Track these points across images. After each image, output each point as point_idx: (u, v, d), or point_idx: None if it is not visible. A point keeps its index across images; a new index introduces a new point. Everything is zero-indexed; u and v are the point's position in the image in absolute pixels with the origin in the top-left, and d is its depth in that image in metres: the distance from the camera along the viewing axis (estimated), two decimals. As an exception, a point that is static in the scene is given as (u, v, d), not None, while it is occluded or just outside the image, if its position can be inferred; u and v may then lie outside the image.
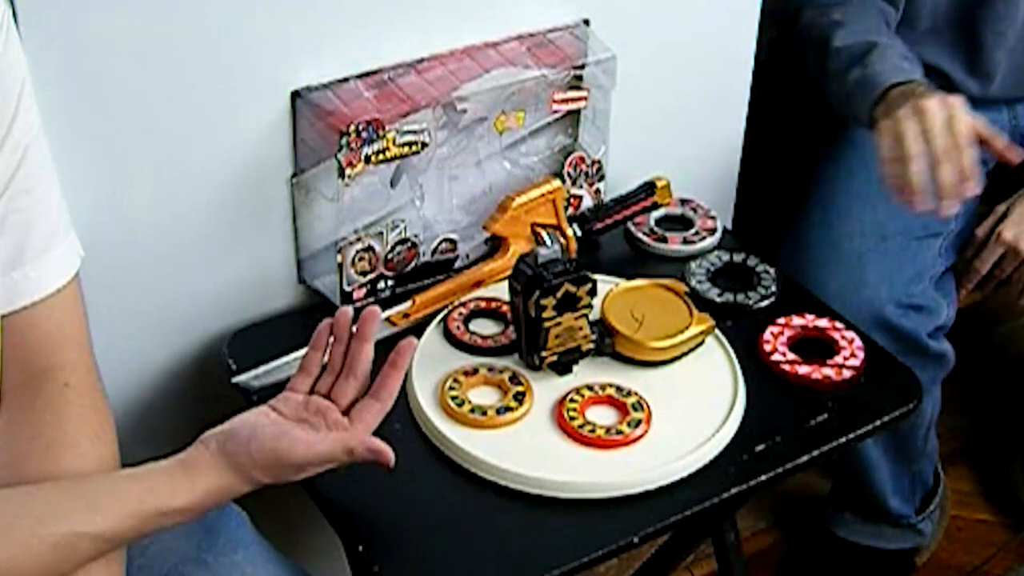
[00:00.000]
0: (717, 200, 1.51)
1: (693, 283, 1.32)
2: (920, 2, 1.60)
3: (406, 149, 1.23)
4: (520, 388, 1.17)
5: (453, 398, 1.15)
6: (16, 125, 0.97)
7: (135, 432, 1.17)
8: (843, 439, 1.17)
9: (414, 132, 1.23)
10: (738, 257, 1.37)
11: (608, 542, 1.05)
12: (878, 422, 1.19)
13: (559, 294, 1.14)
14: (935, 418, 1.73)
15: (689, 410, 1.17)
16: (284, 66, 1.21)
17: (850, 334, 1.26)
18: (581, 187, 1.40)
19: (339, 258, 1.25)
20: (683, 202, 1.44)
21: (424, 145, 1.24)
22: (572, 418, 1.14)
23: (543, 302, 1.13)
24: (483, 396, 1.17)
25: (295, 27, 1.19)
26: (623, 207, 1.39)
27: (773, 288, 1.32)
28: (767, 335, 1.25)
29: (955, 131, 1.33)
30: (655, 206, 1.40)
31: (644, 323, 1.21)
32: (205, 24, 1.14)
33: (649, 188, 1.39)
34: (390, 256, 1.29)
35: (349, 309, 1.06)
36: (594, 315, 1.19)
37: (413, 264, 1.31)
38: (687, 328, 1.21)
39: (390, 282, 1.30)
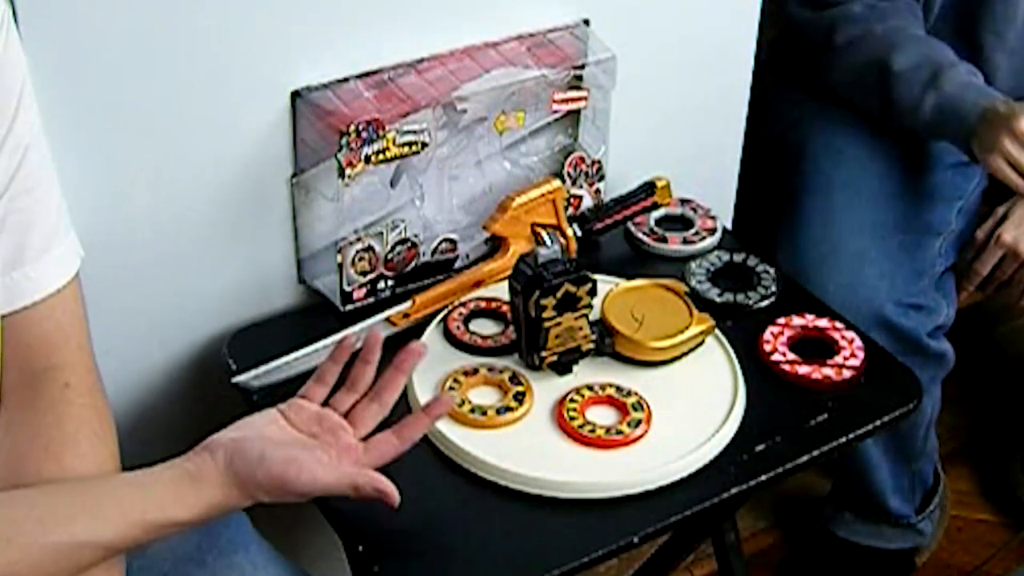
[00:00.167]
0: (717, 200, 1.51)
1: (693, 283, 1.32)
2: (926, 3, 1.60)
3: (406, 149, 1.23)
4: (520, 388, 1.17)
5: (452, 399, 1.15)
6: (16, 125, 0.97)
7: (135, 432, 1.17)
8: (843, 439, 1.17)
9: (414, 132, 1.23)
10: (738, 257, 1.37)
11: (608, 542, 1.05)
12: (878, 422, 1.19)
13: (559, 294, 1.14)
14: (935, 418, 1.73)
15: (689, 410, 1.17)
16: (284, 66, 1.21)
17: (850, 334, 1.26)
18: (581, 187, 1.40)
19: (339, 258, 1.25)
20: (683, 202, 1.44)
21: (424, 145, 1.24)
22: (572, 418, 1.14)
23: (543, 302, 1.13)
24: (483, 396, 1.17)
25: (295, 27, 1.19)
26: (623, 207, 1.39)
27: (773, 288, 1.32)
28: (767, 335, 1.25)
29: None
30: (655, 206, 1.40)
31: (644, 323, 1.21)
32: (205, 24, 1.14)
33: (649, 188, 1.39)
34: (390, 256, 1.29)
35: (381, 335, 1.07)
36: (594, 315, 1.19)
37: (413, 264, 1.31)
38: (687, 328, 1.21)
39: (390, 282, 1.30)
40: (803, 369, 1.22)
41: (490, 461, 1.09)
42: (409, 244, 1.29)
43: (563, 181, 1.36)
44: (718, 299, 1.31)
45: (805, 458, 1.15)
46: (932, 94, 1.51)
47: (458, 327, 1.24)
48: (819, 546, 1.85)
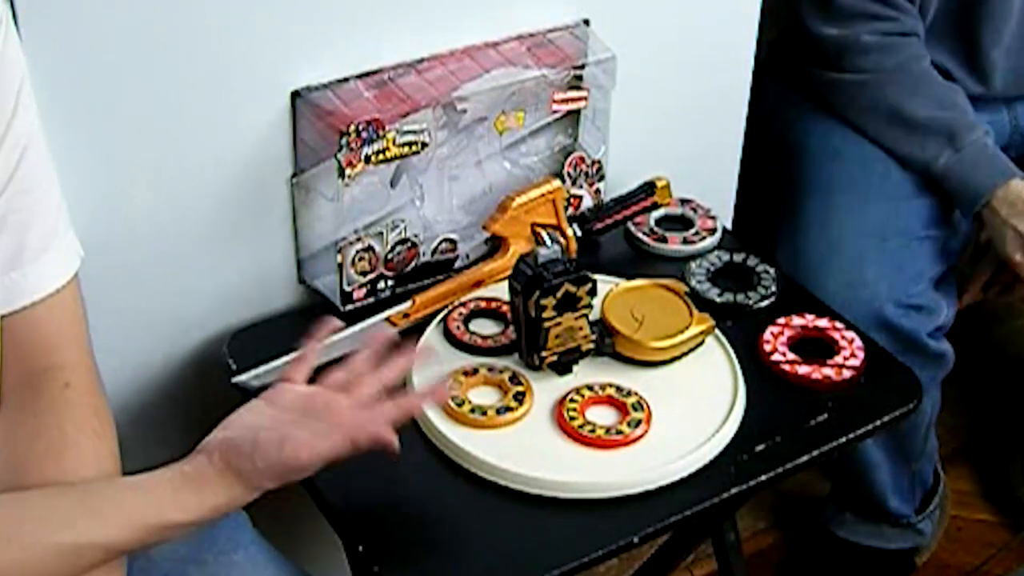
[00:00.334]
0: (717, 200, 1.51)
1: (693, 283, 1.32)
2: (925, 2, 1.60)
3: (406, 149, 1.23)
4: (520, 388, 1.17)
5: (453, 398, 1.15)
6: (15, 124, 0.97)
7: (135, 432, 1.17)
8: (843, 439, 1.17)
9: (414, 132, 1.23)
10: (738, 257, 1.37)
11: (608, 542, 1.05)
12: (878, 422, 1.19)
13: (559, 294, 1.14)
14: (935, 418, 1.73)
15: (689, 410, 1.17)
16: (284, 66, 1.21)
17: (850, 334, 1.26)
18: (581, 187, 1.40)
19: (339, 258, 1.25)
20: (683, 202, 1.44)
21: (424, 145, 1.24)
22: (572, 418, 1.14)
23: (543, 302, 1.13)
24: (483, 396, 1.17)
25: (295, 27, 1.19)
26: (623, 207, 1.39)
27: (773, 288, 1.32)
28: (767, 335, 1.25)
29: None
30: (655, 206, 1.40)
31: (644, 323, 1.21)
32: (205, 24, 1.14)
33: (649, 188, 1.39)
34: (390, 256, 1.29)
35: (394, 333, 1.07)
36: (594, 315, 1.19)
37: (413, 264, 1.31)
38: (687, 328, 1.21)
39: (390, 282, 1.30)
40: (803, 369, 1.22)
41: (490, 461, 1.09)
42: (409, 244, 1.29)
43: (563, 181, 1.36)
44: (718, 299, 1.31)
45: (805, 458, 1.15)
46: (946, 154, 1.55)
47: (458, 327, 1.24)
48: (819, 546, 1.85)
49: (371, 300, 1.29)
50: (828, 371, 1.22)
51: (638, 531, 1.06)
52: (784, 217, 1.63)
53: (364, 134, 1.19)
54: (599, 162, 1.40)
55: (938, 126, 1.55)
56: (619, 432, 1.13)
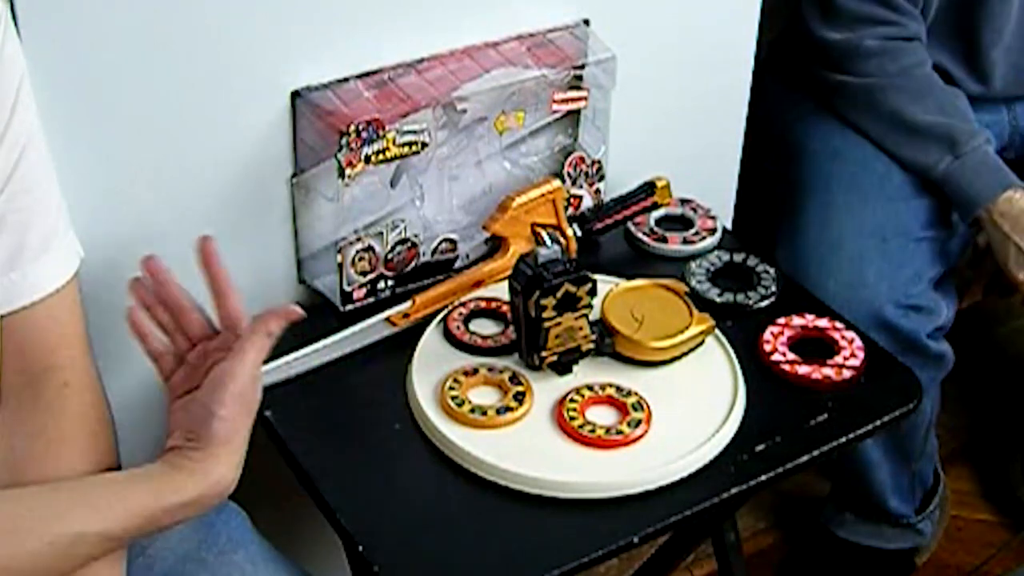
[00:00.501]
0: (717, 200, 1.51)
1: (693, 283, 1.32)
2: (927, 1, 1.60)
3: (406, 149, 1.23)
4: (520, 388, 1.17)
5: (453, 398, 1.15)
6: (14, 123, 0.97)
7: (135, 432, 1.17)
8: (843, 439, 1.17)
9: (414, 132, 1.23)
10: (738, 257, 1.37)
11: (608, 542, 1.05)
12: (878, 422, 1.19)
13: (559, 294, 1.14)
14: (935, 418, 1.73)
15: (689, 410, 1.17)
16: (284, 66, 1.21)
17: (850, 334, 1.26)
18: (581, 187, 1.40)
19: (339, 258, 1.25)
20: (683, 202, 1.44)
21: (424, 145, 1.24)
22: (572, 418, 1.14)
23: (543, 302, 1.13)
24: (483, 396, 1.17)
25: (295, 27, 1.19)
26: (623, 207, 1.39)
27: (773, 288, 1.32)
28: (767, 335, 1.25)
29: None
30: (655, 206, 1.40)
31: (644, 323, 1.21)
32: (205, 24, 1.14)
33: (649, 188, 1.39)
34: (390, 256, 1.29)
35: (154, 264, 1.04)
36: (594, 315, 1.19)
37: (413, 264, 1.31)
38: (687, 328, 1.21)
39: (390, 282, 1.30)
40: (803, 369, 1.22)
41: (490, 461, 1.09)
42: (409, 244, 1.29)
43: (563, 181, 1.36)
44: (718, 299, 1.31)
45: (805, 458, 1.15)
46: (946, 160, 1.55)
47: (458, 327, 1.24)
48: (819, 546, 1.85)
49: (371, 300, 1.29)
50: (828, 371, 1.22)
51: (638, 531, 1.06)
52: (784, 217, 1.63)
53: (364, 134, 1.19)
54: (599, 162, 1.40)
55: (939, 132, 1.55)
56: (619, 432, 1.13)
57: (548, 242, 1.28)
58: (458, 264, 1.34)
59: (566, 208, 1.35)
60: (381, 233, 1.27)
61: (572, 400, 1.15)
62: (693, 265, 1.35)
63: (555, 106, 1.33)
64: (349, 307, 1.28)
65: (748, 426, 1.16)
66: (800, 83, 1.69)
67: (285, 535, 1.19)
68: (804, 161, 1.65)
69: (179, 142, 1.18)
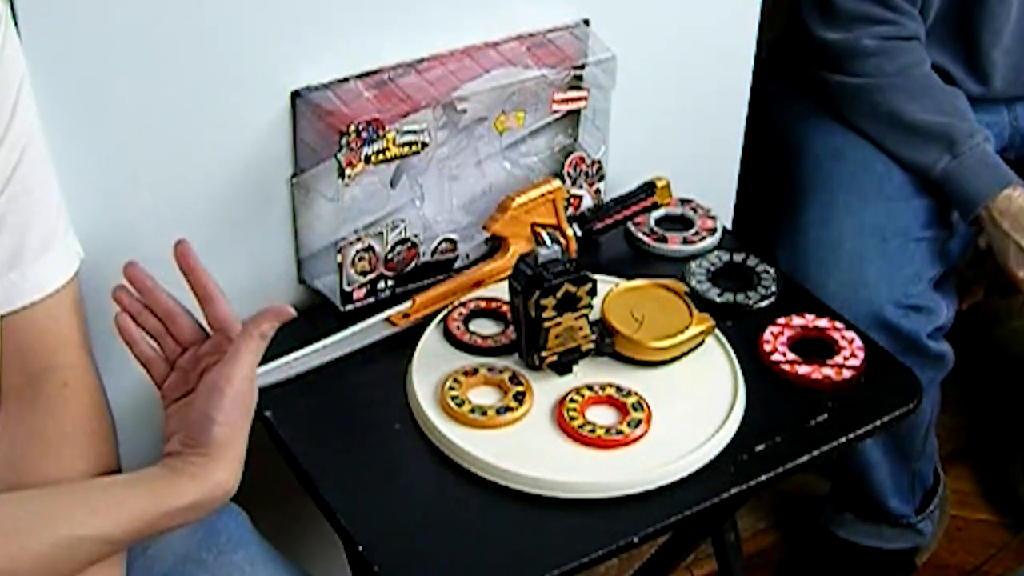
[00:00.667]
0: (717, 200, 1.51)
1: (693, 283, 1.32)
2: (926, 2, 1.60)
3: (406, 149, 1.23)
4: (520, 388, 1.17)
5: (453, 398, 1.15)
6: (14, 124, 0.97)
7: (135, 432, 1.17)
8: (843, 439, 1.17)
9: (414, 132, 1.23)
10: (738, 257, 1.37)
11: (608, 542, 1.05)
12: (878, 422, 1.19)
13: (559, 294, 1.14)
14: (935, 418, 1.73)
15: (689, 410, 1.17)
16: (284, 66, 1.21)
17: (850, 334, 1.26)
18: (581, 187, 1.40)
19: (339, 258, 1.25)
20: (683, 202, 1.44)
21: (424, 145, 1.24)
22: (572, 418, 1.14)
23: (543, 302, 1.13)
24: (483, 396, 1.17)
25: (295, 27, 1.19)
26: (623, 207, 1.39)
27: (773, 288, 1.32)
28: (767, 335, 1.25)
29: None
30: (655, 206, 1.40)
31: (644, 323, 1.21)
32: (205, 24, 1.14)
33: (649, 188, 1.39)
34: (390, 256, 1.29)
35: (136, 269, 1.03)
36: (594, 315, 1.19)
37: (413, 264, 1.31)
38: (687, 328, 1.21)
39: (390, 282, 1.30)
40: (803, 369, 1.22)
41: (490, 461, 1.09)
42: (409, 244, 1.29)
43: (563, 181, 1.36)
44: (718, 299, 1.31)
45: (805, 458, 1.15)
46: (945, 159, 1.55)
47: (458, 327, 1.24)
48: (819, 546, 1.85)
49: (371, 300, 1.29)
50: (828, 371, 1.22)
51: (638, 531, 1.06)
52: (784, 217, 1.63)
53: (364, 134, 1.19)
54: (599, 162, 1.40)
55: (938, 131, 1.55)
56: (619, 432, 1.13)
57: (548, 242, 1.28)
58: (458, 264, 1.34)
59: (566, 208, 1.35)
60: (381, 233, 1.27)
61: (572, 400, 1.15)
62: (693, 265, 1.35)
63: (555, 106, 1.33)
64: (349, 307, 1.28)
65: (748, 426, 1.16)
66: (800, 83, 1.69)
67: (285, 535, 1.19)
68: (804, 161, 1.65)
69: (179, 142, 1.18)
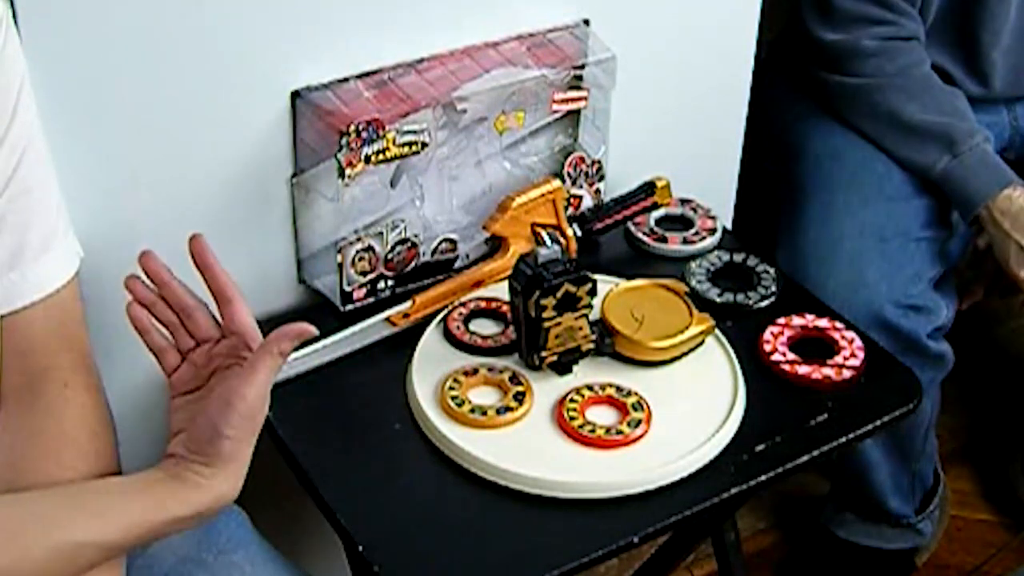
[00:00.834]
0: (717, 200, 1.51)
1: (693, 283, 1.32)
2: (925, 2, 1.60)
3: (406, 149, 1.23)
4: (520, 388, 1.17)
5: (453, 398, 1.15)
6: (14, 125, 0.97)
7: (135, 432, 1.17)
8: (843, 439, 1.17)
9: (414, 132, 1.23)
10: (738, 257, 1.37)
11: (608, 542, 1.05)
12: (878, 422, 1.19)
13: (559, 294, 1.14)
14: (935, 418, 1.73)
15: (689, 410, 1.17)
16: (284, 66, 1.21)
17: (850, 334, 1.26)
18: (581, 187, 1.40)
19: (339, 258, 1.25)
20: (683, 202, 1.44)
21: (424, 145, 1.24)
22: (572, 418, 1.14)
23: (543, 302, 1.13)
24: (483, 396, 1.17)
25: (295, 27, 1.19)
26: (623, 207, 1.39)
27: (773, 288, 1.32)
28: (767, 335, 1.25)
29: None
30: (655, 206, 1.40)
31: (644, 323, 1.21)
32: (205, 24, 1.14)
33: (649, 188, 1.39)
34: (390, 256, 1.29)
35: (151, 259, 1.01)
36: (594, 315, 1.19)
37: (413, 264, 1.31)
38: (687, 328, 1.21)
39: (390, 282, 1.30)
40: (803, 369, 1.22)
41: (490, 461, 1.09)
42: (409, 244, 1.29)
43: (563, 181, 1.36)
44: (718, 299, 1.31)
45: (805, 458, 1.15)
46: (945, 159, 1.55)
47: (458, 327, 1.24)
48: (819, 546, 1.85)
49: (371, 300, 1.29)
50: (828, 371, 1.22)
51: (638, 531, 1.06)
52: (784, 217, 1.63)
53: (364, 134, 1.19)
54: (599, 162, 1.40)
55: (937, 131, 1.55)
56: (619, 432, 1.13)
57: (548, 242, 1.28)
58: (458, 264, 1.34)
59: (566, 208, 1.35)
60: (381, 233, 1.27)
61: (572, 400, 1.15)
62: (693, 265, 1.35)
63: (555, 106, 1.33)
64: (349, 307, 1.28)
65: (748, 426, 1.16)
66: (800, 83, 1.69)
67: (285, 535, 1.19)
68: (804, 161, 1.65)
69: (179, 142, 1.18)
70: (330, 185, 1.22)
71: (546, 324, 1.15)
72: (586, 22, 1.36)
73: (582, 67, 1.32)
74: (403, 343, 1.23)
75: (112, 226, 1.18)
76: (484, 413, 1.14)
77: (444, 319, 1.25)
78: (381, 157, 1.22)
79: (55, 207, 1.03)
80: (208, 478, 0.92)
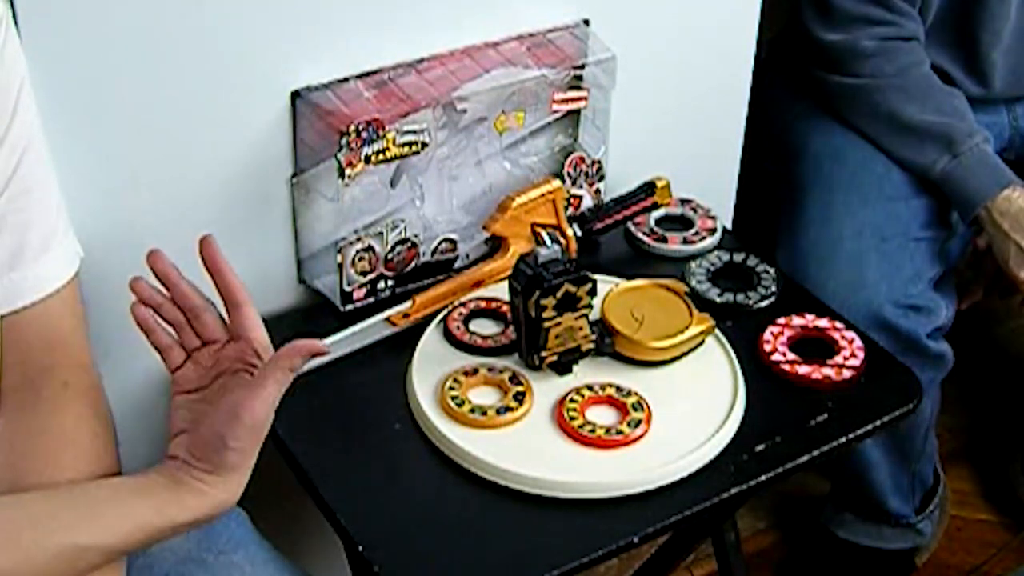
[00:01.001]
0: (717, 200, 1.51)
1: (693, 283, 1.32)
2: (925, 2, 1.60)
3: (406, 149, 1.23)
4: (520, 388, 1.17)
5: (453, 398, 1.15)
6: (14, 125, 0.97)
7: (135, 432, 1.17)
8: (843, 439, 1.17)
9: (414, 132, 1.23)
10: (738, 257, 1.37)
11: (608, 542, 1.05)
12: (878, 422, 1.19)
13: (559, 294, 1.14)
14: (935, 418, 1.73)
15: (689, 410, 1.17)
16: (284, 66, 1.21)
17: (850, 334, 1.26)
18: (581, 187, 1.40)
19: (339, 258, 1.25)
20: (683, 202, 1.44)
21: (424, 145, 1.24)
22: (572, 418, 1.14)
23: (543, 302, 1.13)
24: (483, 396, 1.17)
25: (295, 27, 1.19)
26: (623, 207, 1.39)
27: (773, 288, 1.32)
28: (767, 335, 1.25)
29: None
30: (655, 206, 1.40)
31: (644, 323, 1.21)
32: (205, 24, 1.14)
33: (649, 188, 1.39)
34: (390, 256, 1.29)
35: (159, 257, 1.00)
36: (594, 315, 1.19)
37: (413, 264, 1.31)
38: (687, 328, 1.21)
39: (390, 282, 1.30)
40: (803, 369, 1.22)
41: (490, 461, 1.09)
42: (409, 244, 1.29)
43: (563, 181, 1.36)
44: (718, 299, 1.31)
45: (805, 458, 1.15)
46: (944, 159, 1.55)
47: (458, 327, 1.24)
48: (819, 546, 1.85)
49: (371, 300, 1.29)
50: (828, 371, 1.22)
51: (638, 531, 1.06)
52: (784, 217, 1.63)
53: (364, 134, 1.19)
54: (599, 162, 1.40)
55: (937, 131, 1.55)
56: (619, 432, 1.13)
57: (548, 242, 1.28)
58: (458, 264, 1.34)
59: (566, 208, 1.35)
60: (381, 233, 1.27)
61: (572, 400, 1.15)
62: (693, 265, 1.35)
63: (555, 106, 1.33)
64: (349, 307, 1.28)
65: (748, 426, 1.16)
66: (800, 83, 1.69)
67: (285, 535, 1.19)
68: (804, 161, 1.65)
69: (179, 142, 1.18)
70: (330, 185, 1.22)
71: (546, 324, 1.15)
72: (586, 22, 1.36)
73: (582, 67, 1.32)
74: (403, 343, 1.23)
75: (112, 226, 1.18)
76: (484, 413, 1.14)
77: (444, 319, 1.25)
78: (381, 157, 1.22)
79: (55, 207, 1.03)
80: (210, 485, 0.92)
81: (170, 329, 1.01)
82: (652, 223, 1.41)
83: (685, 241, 1.39)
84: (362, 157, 1.20)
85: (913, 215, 1.58)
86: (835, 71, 1.61)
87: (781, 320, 1.27)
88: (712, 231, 1.41)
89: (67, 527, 0.88)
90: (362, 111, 1.20)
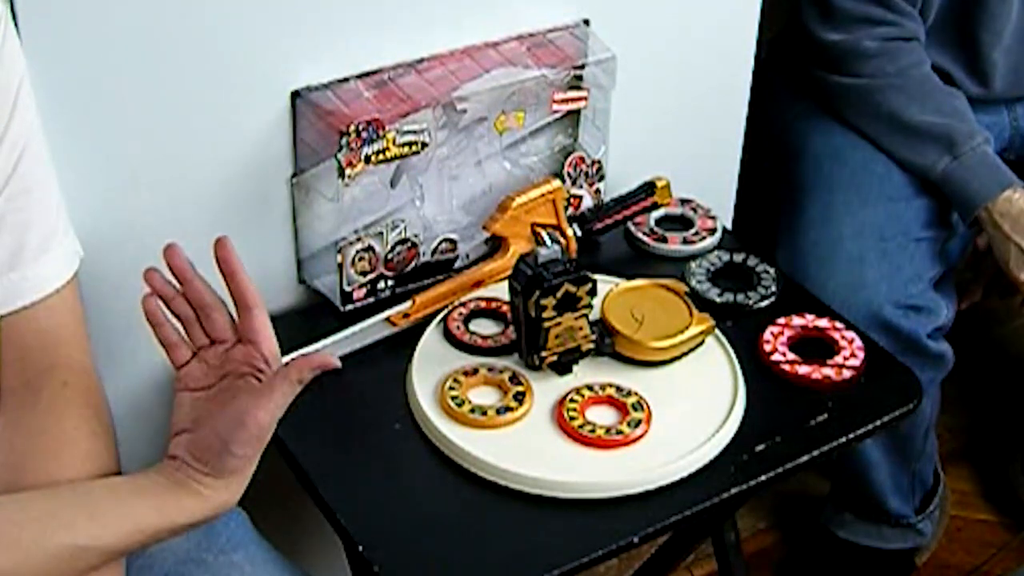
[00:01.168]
0: (717, 200, 1.51)
1: (693, 283, 1.32)
2: (926, 3, 1.60)
3: (406, 149, 1.23)
4: (520, 388, 1.17)
5: (453, 398, 1.15)
6: (13, 124, 0.97)
7: (135, 432, 1.17)
8: (843, 439, 1.17)
9: (414, 132, 1.23)
10: (738, 257, 1.37)
11: (608, 542, 1.05)
12: (878, 422, 1.19)
13: (559, 294, 1.14)
14: (935, 418, 1.73)
15: (689, 410, 1.17)
16: (284, 66, 1.21)
17: (850, 334, 1.26)
18: (581, 187, 1.40)
19: (339, 258, 1.25)
20: (683, 202, 1.44)
21: (424, 145, 1.24)
22: (572, 418, 1.14)
23: (543, 302, 1.13)
24: (483, 396, 1.17)
25: (295, 27, 1.19)
26: (623, 207, 1.39)
27: (773, 288, 1.32)
28: (767, 335, 1.25)
29: None
30: (655, 206, 1.40)
31: (644, 323, 1.21)
32: (205, 24, 1.14)
33: (649, 188, 1.39)
34: (390, 256, 1.29)
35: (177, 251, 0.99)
36: (594, 315, 1.19)
37: (413, 264, 1.31)
38: (687, 328, 1.21)
39: (390, 282, 1.30)
40: (803, 369, 1.22)
41: (490, 461, 1.09)
42: (409, 244, 1.29)
43: (563, 181, 1.36)
44: (718, 299, 1.31)
45: (805, 458, 1.15)
46: (945, 160, 1.55)
47: (458, 327, 1.24)
48: (819, 546, 1.85)
49: (371, 300, 1.29)
50: (828, 371, 1.22)
51: (638, 531, 1.06)
52: (784, 217, 1.63)
53: (364, 134, 1.19)
54: (599, 162, 1.40)
55: (937, 132, 1.55)
56: (619, 432, 1.13)
57: (548, 242, 1.28)
58: (458, 264, 1.34)
59: (566, 208, 1.35)
60: (381, 233, 1.27)
61: (572, 400, 1.15)
62: (693, 265, 1.35)
63: (555, 106, 1.33)
64: (349, 307, 1.28)
65: (748, 426, 1.16)
66: (800, 83, 1.69)
67: (285, 535, 1.19)
68: (804, 161, 1.65)
69: (179, 142, 1.18)
70: (330, 185, 1.22)
71: (546, 324, 1.15)
72: (586, 22, 1.36)
73: (582, 67, 1.32)
74: (403, 343, 1.23)
75: (112, 226, 1.18)
76: (484, 413, 1.14)
77: (444, 319, 1.25)
78: (381, 157, 1.22)
79: (55, 207, 1.03)
80: (211, 488, 0.93)
81: (179, 325, 1.00)
82: (652, 223, 1.41)
83: (685, 241, 1.39)
84: (362, 157, 1.20)
85: (913, 215, 1.58)
86: (836, 71, 1.61)
87: (781, 320, 1.27)
88: (712, 231, 1.41)
89: (67, 527, 0.88)
90: (362, 111, 1.20)
